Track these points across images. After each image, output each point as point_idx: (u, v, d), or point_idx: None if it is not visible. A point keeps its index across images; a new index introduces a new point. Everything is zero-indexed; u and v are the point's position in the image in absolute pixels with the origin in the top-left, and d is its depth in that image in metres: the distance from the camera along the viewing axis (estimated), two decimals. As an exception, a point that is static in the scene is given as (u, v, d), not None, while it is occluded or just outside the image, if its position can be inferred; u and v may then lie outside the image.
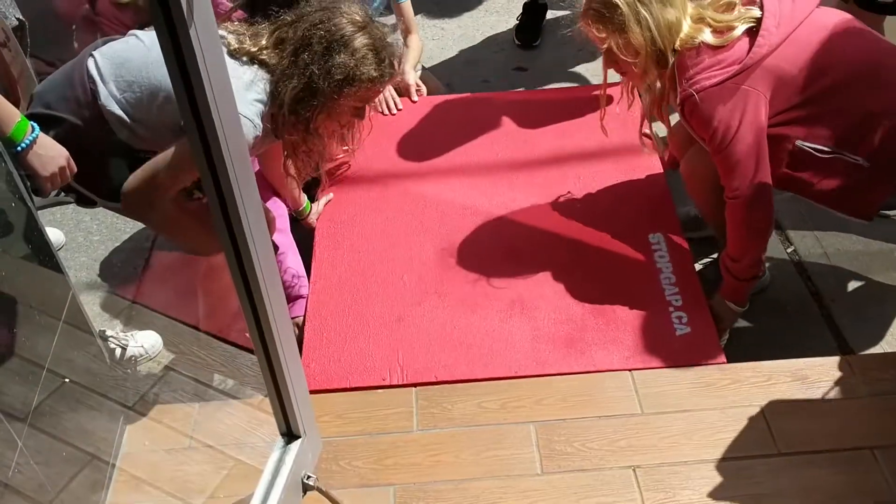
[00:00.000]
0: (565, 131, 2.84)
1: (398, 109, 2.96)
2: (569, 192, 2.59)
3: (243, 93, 1.93)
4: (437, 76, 3.15)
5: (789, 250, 2.62)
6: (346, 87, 1.99)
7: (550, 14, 3.75)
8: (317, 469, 1.72)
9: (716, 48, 1.98)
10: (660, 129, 2.35)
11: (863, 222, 2.16)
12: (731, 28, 2.00)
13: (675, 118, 2.17)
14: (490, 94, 3.14)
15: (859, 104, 2.02)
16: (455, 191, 2.65)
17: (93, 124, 1.97)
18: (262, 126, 1.97)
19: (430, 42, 3.80)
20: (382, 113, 2.93)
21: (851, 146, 2.03)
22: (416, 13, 3.90)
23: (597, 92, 2.58)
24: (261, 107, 1.96)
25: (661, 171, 2.64)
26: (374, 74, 2.01)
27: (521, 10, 3.77)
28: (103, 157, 2.02)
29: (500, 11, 4.00)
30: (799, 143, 2.05)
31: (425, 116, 2.95)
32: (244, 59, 1.98)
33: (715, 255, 2.66)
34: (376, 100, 2.72)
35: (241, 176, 1.19)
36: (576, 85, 3.42)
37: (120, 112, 1.96)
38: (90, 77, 1.97)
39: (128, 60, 1.98)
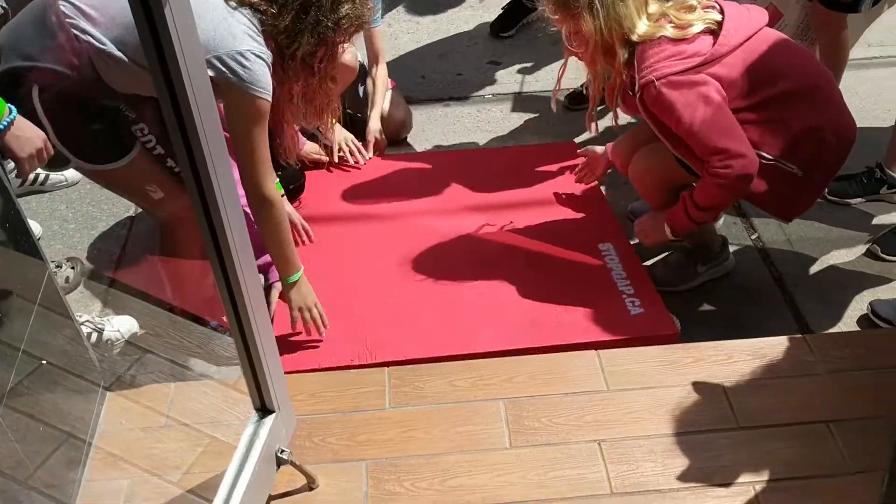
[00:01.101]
0: (518, 177, 2.91)
1: (365, 160, 2.99)
2: (512, 222, 2.67)
3: (252, 39, 1.92)
4: (411, 69, 3.19)
5: (753, 237, 2.70)
6: (353, 33, 2.06)
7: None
8: (291, 445, 1.75)
9: (676, 41, 2.07)
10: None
11: (782, 222, 2.39)
12: (691, 25, 2.09)
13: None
14: (447, 154, 3.17)
15: (800, 118, 2.17)
16: (417, 218, 2.73)
17: (81, 71, 1.90)
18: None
19: (405, 35, 3.85)
20: (347, 164, 2.97)
21: (789, 155, 2.17)
22: (391, 7, 3.97)
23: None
24: (267, 54, 1.95)
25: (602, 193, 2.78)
26: (368, 15, 2.09)
27: (500, 5, 3.85)
28: (85, 109, 1.99)
29: (474, 6, 4.06)
30: None
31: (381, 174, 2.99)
32: (247, 10, 1.96)
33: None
34: (344, 148, 2.88)
35: (213, 148, 1.23)
36: (546, 90, 3.48)
37: (117, 53, 1.88)
38: (69, 19, 1.87)
39: None
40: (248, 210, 2.47)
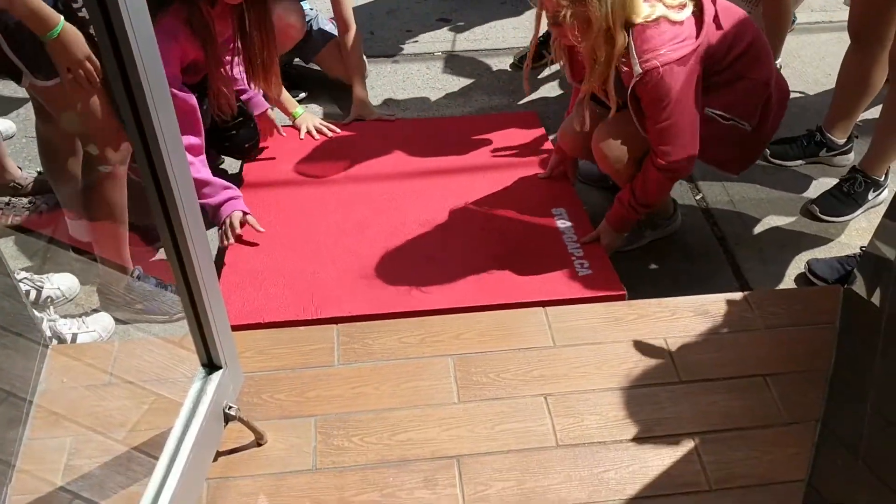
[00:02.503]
0: (476, 144, 2.91)
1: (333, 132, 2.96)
2: (467, 187, 2.68)
3: None
4: (360, 25, 3.13)
5: (697, 198, 2.75)
6: None
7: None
8: (239, 401, 1.75)
9: (674, 22, 2.06)
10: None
11: (731, 175, 2.49)
12: (683, 6, 2.10)
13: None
14: (405, 121, 3.11)
15: (750, 77, 2.22)
16: (372, 182, 2.72)
17: None
18: None
19: (355, -9, 3.79)
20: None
21: (744, 113, 2.24)
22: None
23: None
24: None
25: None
26: None
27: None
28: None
29: (424, -38, 4.00)
30: (708, 110, 2.21)
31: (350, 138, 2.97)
32: None
33: None
34: (314, 133, 2.91)
35: (155, 92, 1.19)
36: (495, 48, 3.47)
37: None
38: None
39: None
40: None
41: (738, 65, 2.20)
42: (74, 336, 2.12)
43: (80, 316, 2.20)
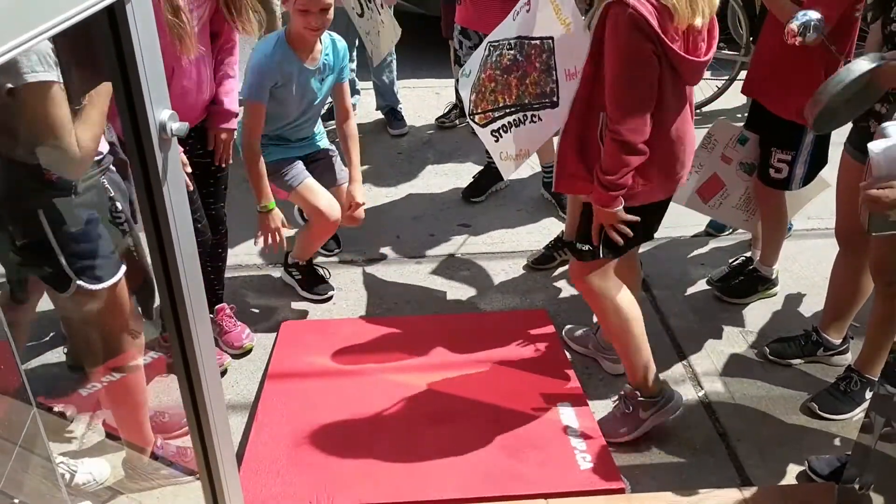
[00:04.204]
0: (487, 341, 3.09)
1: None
2: (477, 382, 2.84)
3: None
4: (388, 229, 3.40)
5: (700, 393, 2.87)
6: None
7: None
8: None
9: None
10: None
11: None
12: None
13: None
14: (421, 318, 3.32)
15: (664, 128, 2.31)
16: (387, 374, 2.90)
17: None
18: None
19: (384, 199, 4.16)
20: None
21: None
22: (372, 176, 4.29)
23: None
24: None
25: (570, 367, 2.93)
26: None
27: (471, 173, 4.21)
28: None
29: (448, 174, 4.40)
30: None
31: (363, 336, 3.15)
32: None
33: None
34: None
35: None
36: (512, 251, 3.76)
37: None
38: None
39: None
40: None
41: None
42: (73, 476, 2.25)
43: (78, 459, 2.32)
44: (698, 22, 2.17)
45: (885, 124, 2.03)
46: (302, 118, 3.13)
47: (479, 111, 2.79)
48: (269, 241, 3.03)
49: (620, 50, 2.16)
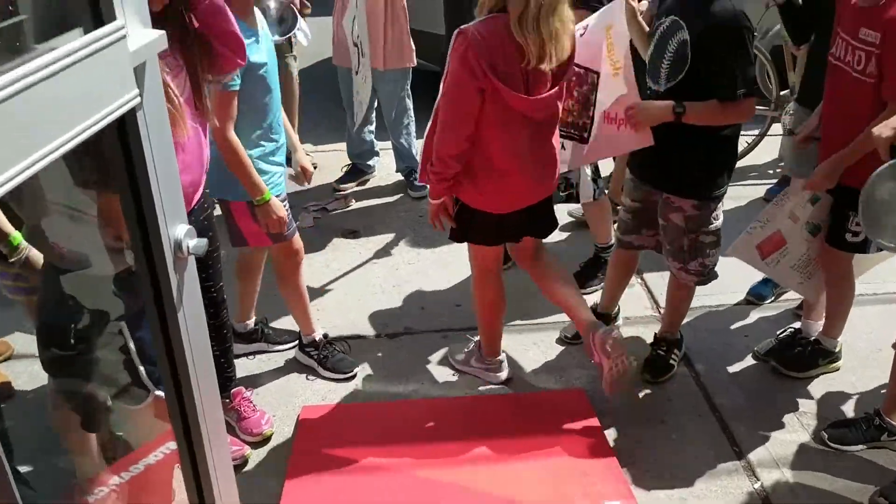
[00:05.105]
0: (523, 425, 2.92)
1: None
2: (515, 473, 2.66)
3: None
4: (411, 300, 3.21)
5: (756, 486, 2.64)
6: None
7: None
8: None
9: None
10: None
11: None
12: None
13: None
14: (452, 400, 3.15)
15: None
16: (419, 466, 2.71)
17: None
18: None
19: (406, 266, 3.99)
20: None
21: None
22: (395, 242, 4.11)
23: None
24: None
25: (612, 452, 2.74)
26: None
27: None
28: None
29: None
30: None
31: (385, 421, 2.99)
32: None
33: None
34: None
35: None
36: (542, 321, 3.57)
37: None
38: None
39: None
40: None
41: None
42: None
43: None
44: (544, 67, 2.47)
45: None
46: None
47: None
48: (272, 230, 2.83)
49: (452, 76, 2.50)
